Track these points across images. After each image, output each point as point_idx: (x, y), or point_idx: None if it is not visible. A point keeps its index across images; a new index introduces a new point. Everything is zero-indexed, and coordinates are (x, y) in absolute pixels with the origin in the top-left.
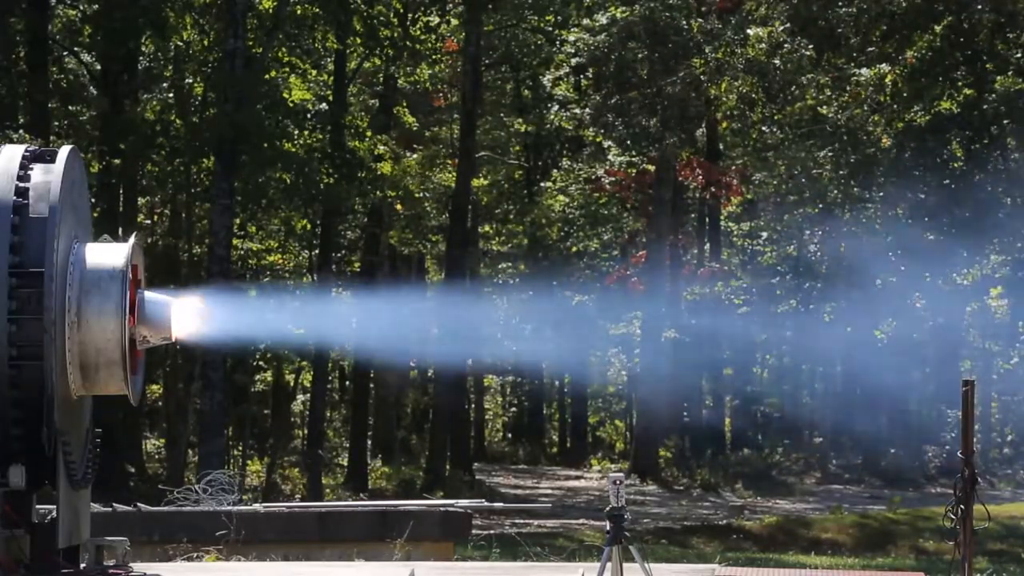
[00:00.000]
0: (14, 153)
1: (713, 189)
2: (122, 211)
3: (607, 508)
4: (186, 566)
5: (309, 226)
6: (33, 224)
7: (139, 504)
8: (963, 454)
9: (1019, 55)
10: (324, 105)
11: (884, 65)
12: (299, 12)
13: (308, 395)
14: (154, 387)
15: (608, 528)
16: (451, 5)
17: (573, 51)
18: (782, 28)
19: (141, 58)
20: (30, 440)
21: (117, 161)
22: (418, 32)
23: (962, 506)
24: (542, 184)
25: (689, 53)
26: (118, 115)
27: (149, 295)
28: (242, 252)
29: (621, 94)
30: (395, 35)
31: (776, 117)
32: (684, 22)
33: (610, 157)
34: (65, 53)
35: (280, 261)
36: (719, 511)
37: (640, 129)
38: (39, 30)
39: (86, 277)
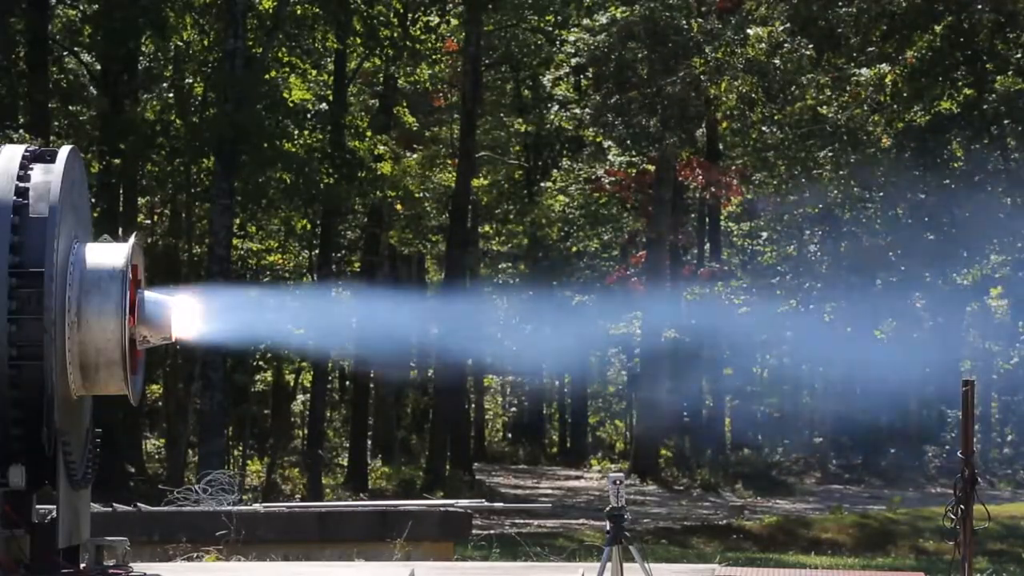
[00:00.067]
0: (14, 153)
1: (713, 189)
2: (122, 211)
3: (607, 508)
4: (186, 566)
5: (309, 226)
6: (33, 224)
7: (139, 504)
8: (963, 454)
9: (1019, 55)
10: (324, 105)
11: (884, 65)
12: (299, 12)
13: (308, 395)
14: (154, 387)
15: (608, 528)
16: (451, 5)
17: (573, 51)
18: (782, 28)
19: (141, 58)
20: (30, 440)
21: (117, 161)
22: (418, 32)
23: (962, 506)
24: (542, 184)
25: (689, 53)
26: (118, 115)
27: (149, 295)
28: (242, 252)
29: (621, 94)
30: (395, 35)
31: (776, 117)
32: (684, 22)
33: (610, 157)
34: (65, 53)
35: (280, 261)
36: (719, 511)
37: (640, 129)
38: (39, 30)
39: (86, 277)
